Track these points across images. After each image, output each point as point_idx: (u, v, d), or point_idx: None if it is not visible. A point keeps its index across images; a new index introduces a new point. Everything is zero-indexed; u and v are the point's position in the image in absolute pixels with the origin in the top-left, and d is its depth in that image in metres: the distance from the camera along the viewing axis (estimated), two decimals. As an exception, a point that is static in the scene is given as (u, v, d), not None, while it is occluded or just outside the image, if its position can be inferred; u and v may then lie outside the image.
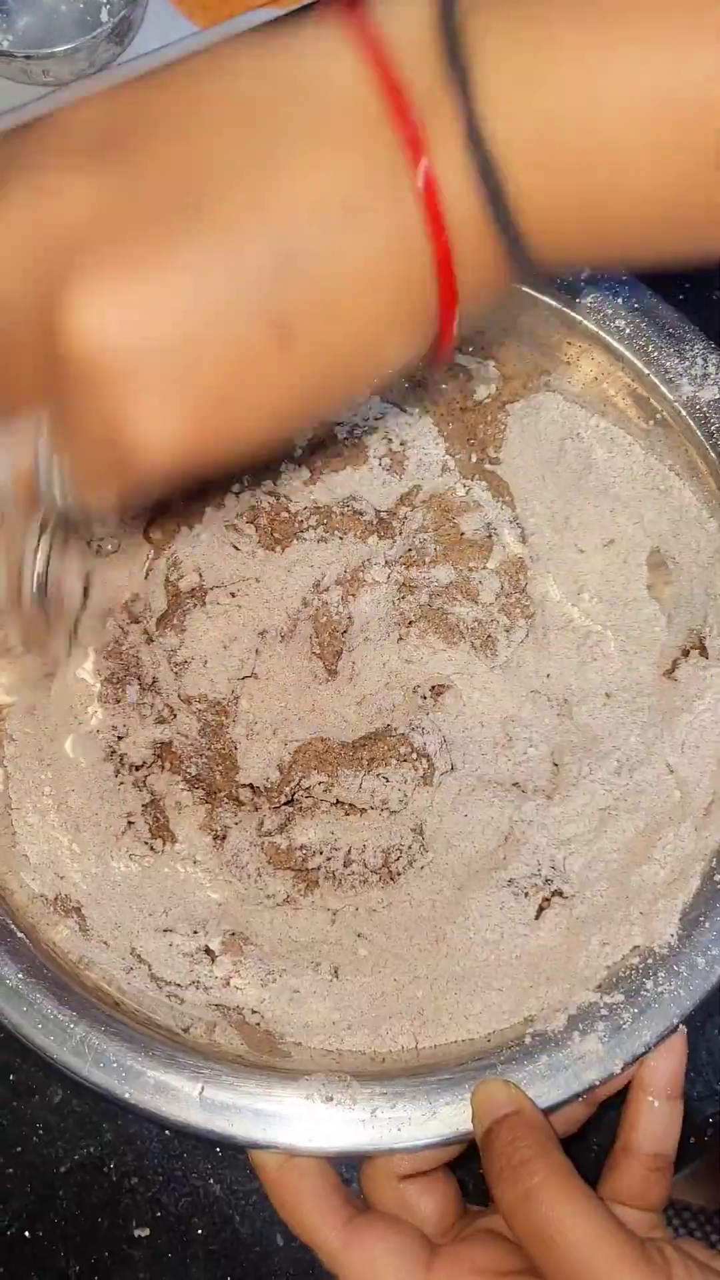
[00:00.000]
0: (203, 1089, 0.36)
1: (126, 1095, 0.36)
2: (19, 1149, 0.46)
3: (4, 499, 0.31)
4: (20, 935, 0.39)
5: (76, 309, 0.24)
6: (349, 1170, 0.40)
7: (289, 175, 0.25)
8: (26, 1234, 0.45)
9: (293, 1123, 0.36)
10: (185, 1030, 0.39)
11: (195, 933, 0.43)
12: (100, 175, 0.25)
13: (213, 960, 0.43)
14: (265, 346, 0.25)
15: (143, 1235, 0.46)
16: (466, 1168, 0.39)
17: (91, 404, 0.26)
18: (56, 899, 0.42)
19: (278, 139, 0.25)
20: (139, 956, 0.42)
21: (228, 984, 0.43)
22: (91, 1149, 0.47)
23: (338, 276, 0.25)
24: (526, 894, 0.42)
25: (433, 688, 0.46)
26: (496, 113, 0.24)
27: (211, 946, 0.44)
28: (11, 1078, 0.47)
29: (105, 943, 0.41)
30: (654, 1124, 0.37)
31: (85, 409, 0.26)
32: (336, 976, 0.42)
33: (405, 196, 0.25)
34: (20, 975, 0.37)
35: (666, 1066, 0.37)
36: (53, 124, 0.26)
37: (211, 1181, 0.47)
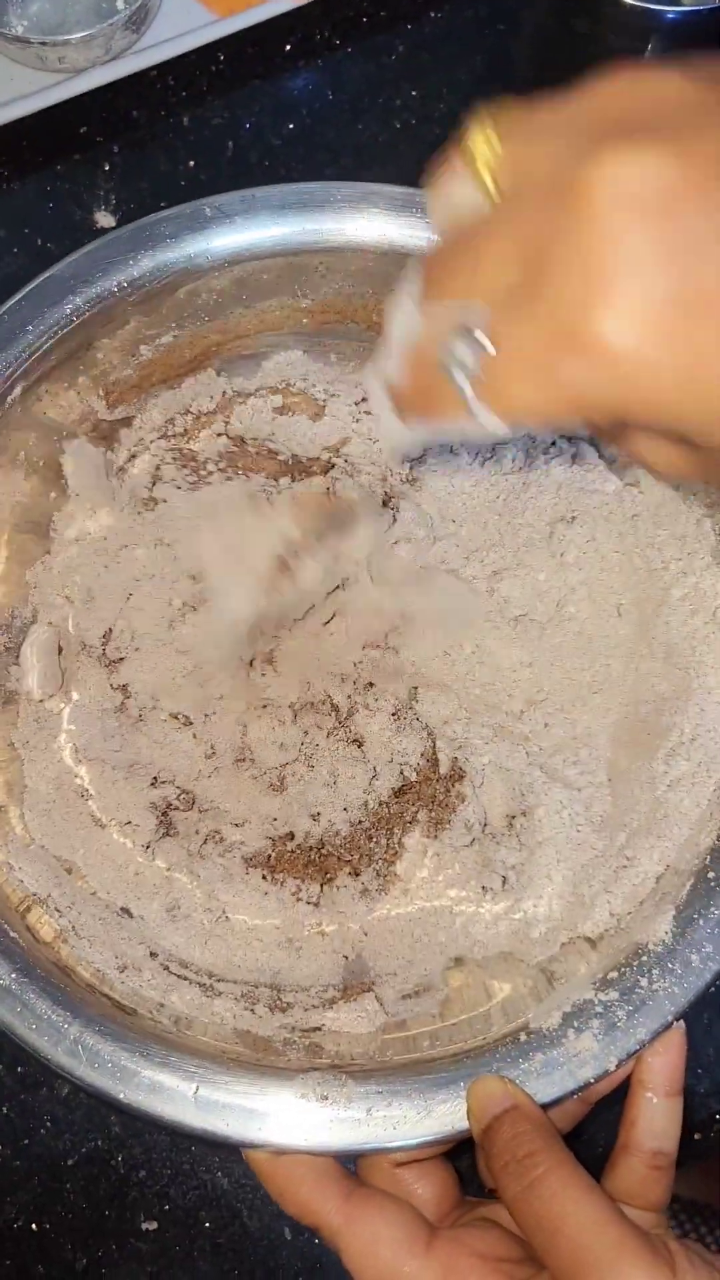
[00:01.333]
0: (197, 1089, 0.36)
1: (121, 1096, 0.36)
2: (26, 1141, 0.47)
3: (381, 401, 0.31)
4: (13, 934, 0.39)
5: (611, 160, 0.24)
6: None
7: None
8: (33, 1226, 0.46)
9: (287, 1122, 0.36)
10: (180, 1030, 0.39)
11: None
12: None
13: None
14: None
15: (150, 1229, 0.46)
16: (459, 1160, 0.39)
17: (576, 269, 0.24)
18: (49, 897, 0.42)
19: None
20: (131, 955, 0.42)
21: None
22: (99, 1142, 0.47)
23: None
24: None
25: None
26: None
27: None
28: (19, 1069, 0.48)
29: (99, 941, 0.41)
30: (653, 1121, 0.37)
31: (565, 277, 0.25)
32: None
33: None
34: (14, 974, 0.37)
35: (665, 1063, 0.37)
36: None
37: (219, 1175, 0.47)
